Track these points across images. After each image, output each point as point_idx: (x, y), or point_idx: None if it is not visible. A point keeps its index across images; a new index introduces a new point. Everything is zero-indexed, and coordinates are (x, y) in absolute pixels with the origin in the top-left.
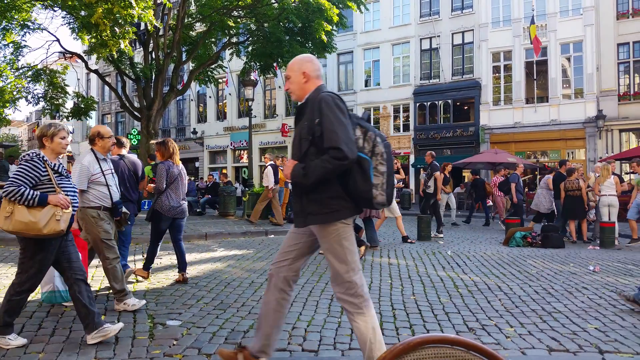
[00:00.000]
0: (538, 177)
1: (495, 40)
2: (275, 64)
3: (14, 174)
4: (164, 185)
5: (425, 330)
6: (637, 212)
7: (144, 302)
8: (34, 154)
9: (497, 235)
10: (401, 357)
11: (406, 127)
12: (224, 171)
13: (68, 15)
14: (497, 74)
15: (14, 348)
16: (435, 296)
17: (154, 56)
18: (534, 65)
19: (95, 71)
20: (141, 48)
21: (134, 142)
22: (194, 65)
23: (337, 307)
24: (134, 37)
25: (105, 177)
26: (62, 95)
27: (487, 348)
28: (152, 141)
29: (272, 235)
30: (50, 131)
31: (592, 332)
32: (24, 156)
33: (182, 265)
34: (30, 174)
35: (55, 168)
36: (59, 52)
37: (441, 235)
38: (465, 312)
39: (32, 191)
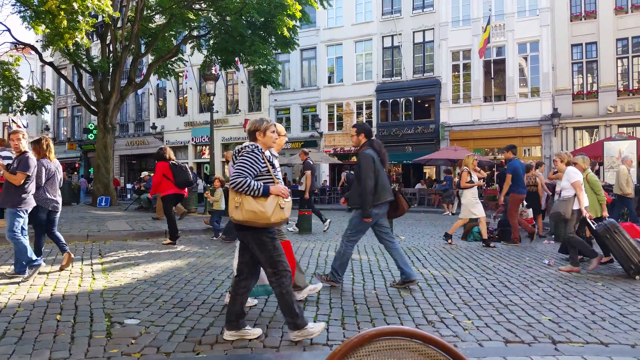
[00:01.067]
0: (496, 173)
1: (455, 39)
2: (237, 59)
3: (238, 166)
4: (43, 181)
5: (385, 323)
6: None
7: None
8: (254, 147)
9: (458, 230)
10: (356, 350)
11: (369, 124)
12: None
13: (19, 3)
14: (456, 73)
15: None
16: (396, 290)
17: (111, 49)
18: (492, 65)
19: (50, 63)
20: (98, 40)
21: (91, 137)
22: (153, 58)
23: (299, 302)
24: (92, 28)
25: None
26: (15, 88)
27: (440, 339)
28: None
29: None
30: (263, 126)
31: (546, 324)
32: (243, 148)
33: (62, 246)
34: (253, 166)
35: (269, 160)
36: (10, 42)
37: (327, 223)
38: (425, 306)
39: (256, 182)
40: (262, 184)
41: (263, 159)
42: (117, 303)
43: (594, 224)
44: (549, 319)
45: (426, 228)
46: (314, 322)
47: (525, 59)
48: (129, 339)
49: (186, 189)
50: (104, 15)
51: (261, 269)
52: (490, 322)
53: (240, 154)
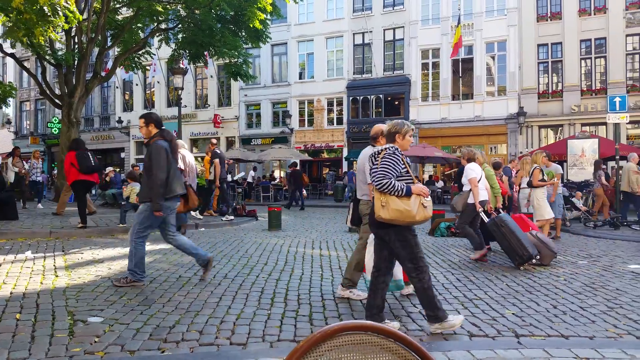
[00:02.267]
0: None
1: (424, 37)
2: (206, 53)
3: (382, 168)
4: None
5: (353, 319)
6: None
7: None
8: (394, 149)
9: (423, 225)
10: (319, 345)
11: (340, 121)
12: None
13: None
14: (425, 71)
15: None
16: (365, 286)
17: (76, 41)
18: (460, 63)
19: (12, 55)
20: (63, 32)
21: (55, 131)
22: (119, 51)
23: (267, 299)
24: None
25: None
26: None
27: (401, 333)
28: None
29: (203, 229)
30: (404, 129)
31: (509, 318)
32: (383, 150)
33: None
34: (396, 167)
35: (407, 161)
36: None
37: (231, 218)
38: (392, 301)
39: (399, 183)
40: (404, 184)
41: (403, 161)
42: (80, 301)
43: (488, 216)
44: (513, 313)
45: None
46: (282, 318)
47: (493, 58)
48: (93, 337)
49: (95, 175)
50: (69, 19)
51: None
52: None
53: (382, 157)
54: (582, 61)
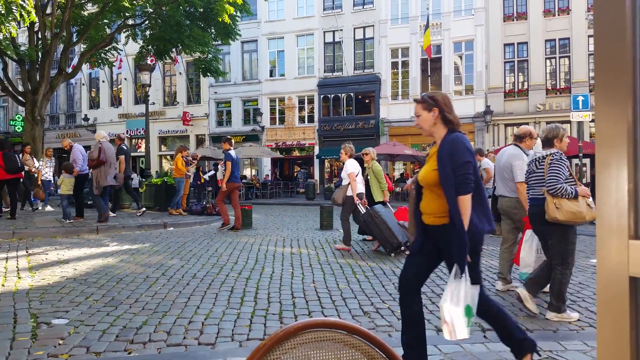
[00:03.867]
0: None
1: (394, 36)
2: (174, 49)
3: (554, 173)
4: None
5: (323, 316)
6: None
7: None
8: (560, 154)
9: None
10: (282, 343)
11: (311, 119)
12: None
13: None
14: (395, 70)
15: None
16: (334, 283)
17: (40, 36)
18: (429, 63)
19: None
20: (25, 27)
21: (19, 129)
22: (85, 47)
23: (237, 298)
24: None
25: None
26: None
27: (365, 330)
28: None
29: (172, 228)
30: (561, 133)
31: None
32: (549, 155)
33: None
34: (564, 171)
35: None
36: None
37: (114, 215)
38: (362, 297)
39: (569, 186)
40: (573, 187)
41: (567, 165)
42: (44, 303)
43: (365, 209)
44: None
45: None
46: (251, 317)
47: (461, 57)
48: (57, 339)
49: (21, 174)
50: (24, 19)
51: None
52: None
53: (548, 162)
54: (547, 61)
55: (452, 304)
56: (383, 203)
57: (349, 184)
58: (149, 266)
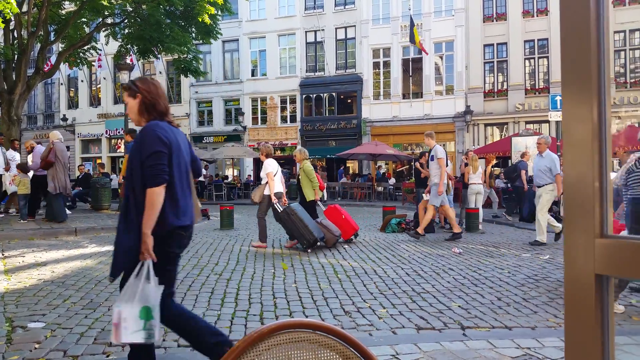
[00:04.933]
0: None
1: (375, 37)
2: (154, 49)
3: None
4: None
5: (304, 316)
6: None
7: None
8: None
9: (375, 222)
10: (256, 345)
11: (293, 119)
12: (99, 161)
13: None
14: (377, 70)
15: None
16: (316, 282)
17: (16, 35)
18: (410, 63)
19: None
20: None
21: None
22: (63, 46)
23: (217, 300)
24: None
25: None
26: None
27: (340, 330)
28: None
29: None
30: None
31: (456, 310)
32: None
33: None
34: None
35: None
36: None
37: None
38: (343, 296)
39: None
40: None
41: None
42: (20, 306)
43: (280, 208)
44: (459, 306)
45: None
46: (232, 318)
47: (441, 58)
48: (33, 343)
49: None
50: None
51: None
52: (403, 310)
53: None
54: (526, 61)
55: (127, 303)
56: (313, 201)
57: (267, 183)
58: None
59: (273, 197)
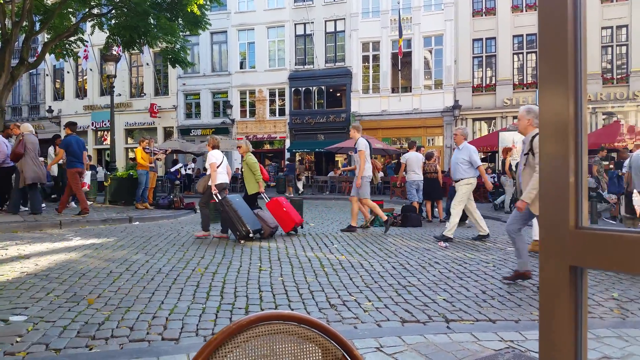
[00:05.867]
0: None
1: (365, 30)
2: (141, 40)
3: None
4: None
5: (290, 309)
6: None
7: None
8: None
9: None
10: (234, 337)
11: (282, 112)
12: (86, 154)
13: None
14: (366, 64)
15: None
16: (302, 276)
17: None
18: (399, 57)
19: None
20: None
21: None
22: (49, 36)
23: (203, 293)
24: None
25: None
26: None
27: (321, 322)
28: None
29: (137, 223)
30: None
31: (440, 303)
32: None
33: None
34: None
35: None
36: None
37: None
38: (329, 290)
39: None
40: None
41: None
42: (2, 299)
43: (217, 197)
44: (444, 299)
45: (335, 215)
46: (217, 311)
47: (430, 52)
48: (14, 337)
49: None
50: None
51: None
52: (389, 303)
53: None
54: (515, 56)
55: None
56: (259, 194)
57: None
58: (112, 261)
59: (213, 188)
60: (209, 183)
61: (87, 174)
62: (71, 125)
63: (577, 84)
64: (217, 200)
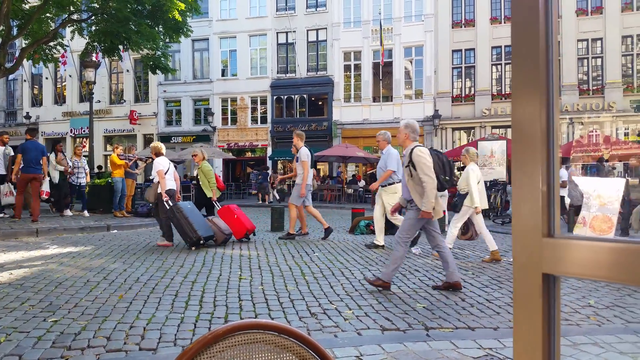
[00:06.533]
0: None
1: (346, 40)
2: (122, 46)
3: None
4: None
5: (270, 318)
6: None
7: None
8: None
9: (344, 224)
10: (210, 347)
11: (264, 120)
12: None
13: None
14: (348, 73)
15: None
16: (283, 284)
17: None
18: (381, 66)
19: None
20: None
21: None
22: (27, 42)
23: (182, 302)
24: None
25: None
26: None
27: (298, 331)
28: None
29: (115, 231)
30: None
31: (420, 311)
32: None
33: None
34: None
35: None
36: None
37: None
38: (310, 298)
39: None
40: None
41: None
42: None
43: (167, 204)
44: (424, 307)
45: (316, 223)
46: (195, 321)
47: (411, 62)
48: None
49: None
50: None
51: None
52: (369, 311)
53: None
54: (493, 67)
55: None
56: (211, 200)
57: (159, 181)
58: (90, 270)
59: (163, 195)
60: (159, 190)
61: (46, 182)
62: (31, 131)
63: (549, 95)
64: (167, 207)
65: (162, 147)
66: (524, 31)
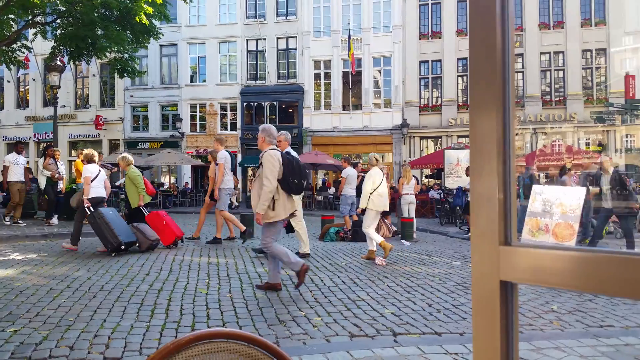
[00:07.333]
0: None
1: (316, 48)
2: (88, 50)
3: None
4: None
5: (238, 326)
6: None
7: None
8: None
9: (314, 231)
10: (173, 356)
11: (233, 126)
12: (27, 166)
13: None
14: (318, 81)
15: None
16: (252, 292)
17: None
18: (350, 75)
19: None
20: None
21: None
22: None
23: (147, 311)
24: None
25: None
26: None
27: (262, 339)
28: None
29: (80, 238)
30: None
31: (388, 317)
32: None
33: None
34: None
35: None
36: None
37: None
38: (278, 306)
39: None
40: None
41: None
42: None
43: (89, 210)
44: (392, 312)
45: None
46: (162, 330)
47: (380, 72)
48: None
49: None
50: None
51: None
52: (338, 318)
53: None
54: (459, 78)
55: None
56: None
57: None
58: (53, 278)
59: (86, 201)
60: (83, 197)
61: None
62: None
63: (505, 108)
64: (88, 213)
65: (94, 154)
66: (481, 46)
